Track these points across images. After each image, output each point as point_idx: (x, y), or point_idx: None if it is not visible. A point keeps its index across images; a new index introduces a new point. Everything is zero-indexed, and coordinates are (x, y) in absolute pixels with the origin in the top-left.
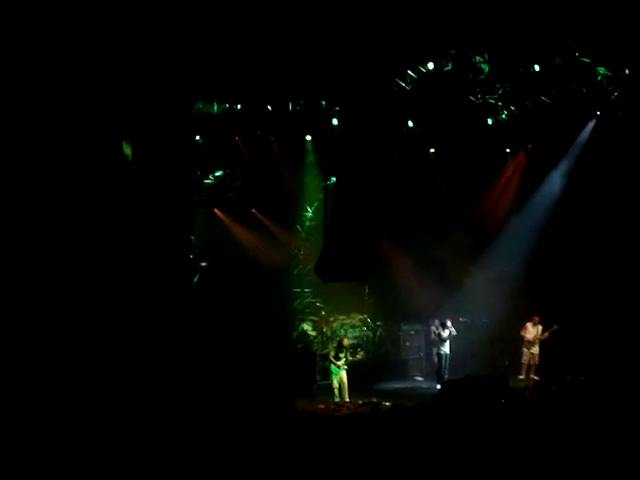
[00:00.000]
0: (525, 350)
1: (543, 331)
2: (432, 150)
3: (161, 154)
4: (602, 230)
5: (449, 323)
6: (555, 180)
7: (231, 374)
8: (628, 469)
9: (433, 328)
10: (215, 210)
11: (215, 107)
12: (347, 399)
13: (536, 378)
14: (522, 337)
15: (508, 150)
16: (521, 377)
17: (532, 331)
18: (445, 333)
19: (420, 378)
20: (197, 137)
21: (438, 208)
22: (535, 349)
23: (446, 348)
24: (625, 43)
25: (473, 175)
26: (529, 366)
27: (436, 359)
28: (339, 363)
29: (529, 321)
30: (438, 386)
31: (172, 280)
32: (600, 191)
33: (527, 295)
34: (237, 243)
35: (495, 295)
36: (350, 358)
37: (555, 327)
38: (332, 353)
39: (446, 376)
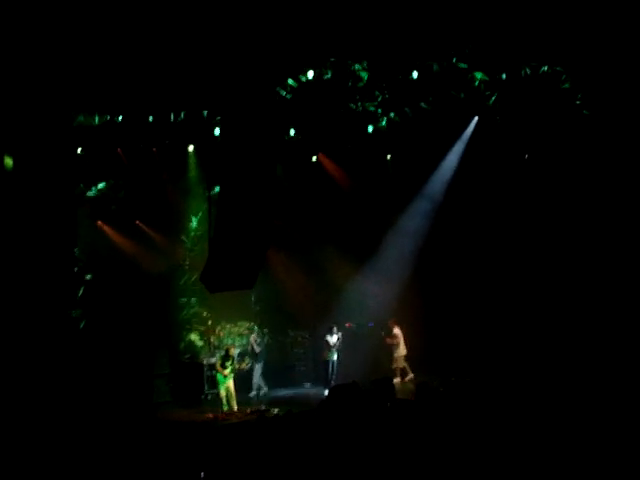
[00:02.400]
0: (397, 355)
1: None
2: (314, 158)
3: (42, 167)
4: (484, 232)
5: (336, 329)
6: (437, 182)
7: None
8: (515, 466)
9: (327, 336)
10: (98, 222)
11: (96, 119)
12: (235, 408)
13: (411, 377)
14: (393, 343)
15: (389, 157)
16: (396, 380)
17: (399, 335)
18: (333, 339)
19: (308, 384)
20: (79, 149)
21: (323, 214)
22: (403, 352)
23: (334, 354)
24: (501, 47)
25: (356, 181)
26: (406, 369)
27: (324, 365)
28: (225, 372)
29: (395, 326)
30: (326, 392)
31: (55, 294)
32: (482, 192)
33: (412, 298)
34: (122, 255)
35: (380, 299)
36: (237, 366)
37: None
38: (218, 362)
39: (333, 382)
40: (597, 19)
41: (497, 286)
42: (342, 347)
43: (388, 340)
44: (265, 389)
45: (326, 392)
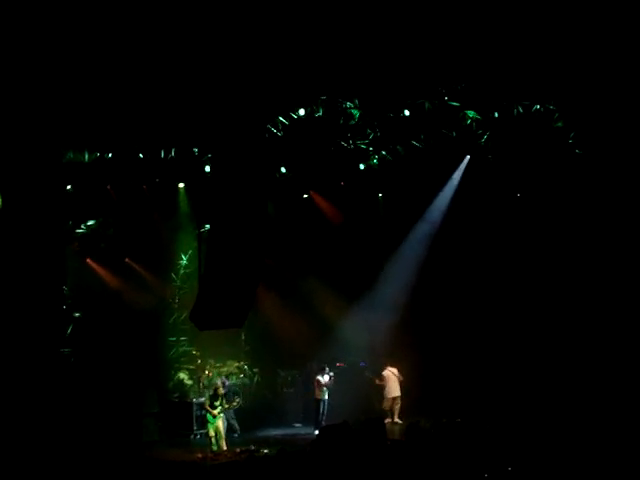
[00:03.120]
0: (389, 396)
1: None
2: (305, 195)
3: (31, 204)
4: (477, 271)
5: (328, 369)
6: (429, 220)
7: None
8: None
9: (319, 376)
10: (88, 260)
11: (86, 156)
12: (224, 447)
13: (399, 421)
14: (382, 384)
15: (380, 195)
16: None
17: (392, 376)
18: (325, 379)
19: (299, 424)
20: (68, 186)
21: (314, 252)
22: (396, 393)
23: (325, 394)
24: (493, 86)
25: (348, 219)
26: (393, 411)
27: (315, 405)
28: (215, 412)
29: (387, 367)
30: (316, 432)
31: (45, 331)
32: (474, 231)
33: (405, 336)
34: (111, 292)
35: (372, 337)
36: (226, 406)
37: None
38: (207, 402)
39: (324, 422)
40: (590, 59)
41: (491, 327)
42: (333, 387)
43: (377, 382)
44: (238, 432)
45: (316, 432)
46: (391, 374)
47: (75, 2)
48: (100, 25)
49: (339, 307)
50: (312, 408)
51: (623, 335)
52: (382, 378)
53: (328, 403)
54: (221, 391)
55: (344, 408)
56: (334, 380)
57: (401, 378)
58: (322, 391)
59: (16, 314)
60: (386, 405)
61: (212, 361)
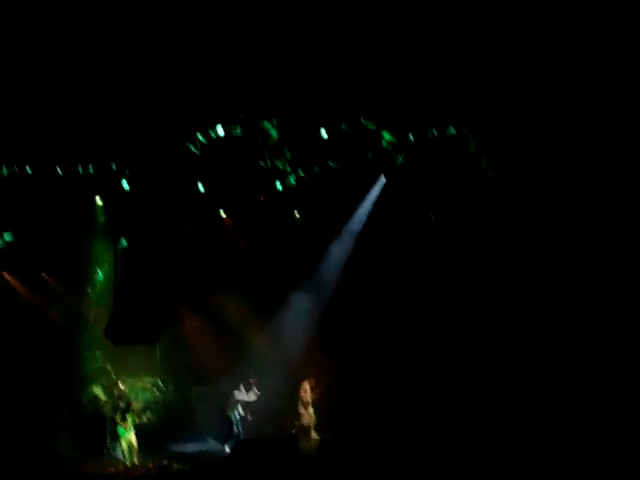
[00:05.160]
0: (304, 412)
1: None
2: (223, 214)
3: None
4: (390, 290)
5: (244, 386)
6: (345, 239)
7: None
8: None
9: (235, 392)
10: (3, 274)
11: (4, 170)
12: (136, 462)
13: (317, 437)
14: (302, 398)
15: (298, 216)
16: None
17: (309, 391)
18: (241, 396)
19: (212, 440)
20: None
21: (230, 269)
22: (311, 409)
23: (239, 410)
24: (409, 108)
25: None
26: (310, 426)
27: (227, 421)
28: (126, 425)
29: (306, 381)
30: (227, 448)
31: None
32: (388, 251)
33: (316, 354)
34: (25, 307)
35: (285, 354)
36: (137, 420)
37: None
38: (119, 415)
39: (240, 438)
40: (504, 81)
41: (403, 347)
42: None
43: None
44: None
45: (227, 449)
46: (307, 387)
47: None
48: (24, 34)
49: (254, 323)
50: (225, 424)
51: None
52: (303, 388)
53: (241, 420)
54: (135, 406)
55: (259, 424)
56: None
57: (313, 394)
58: (236, 407)
59: None
60: (300, 421)
61: (126, 376)
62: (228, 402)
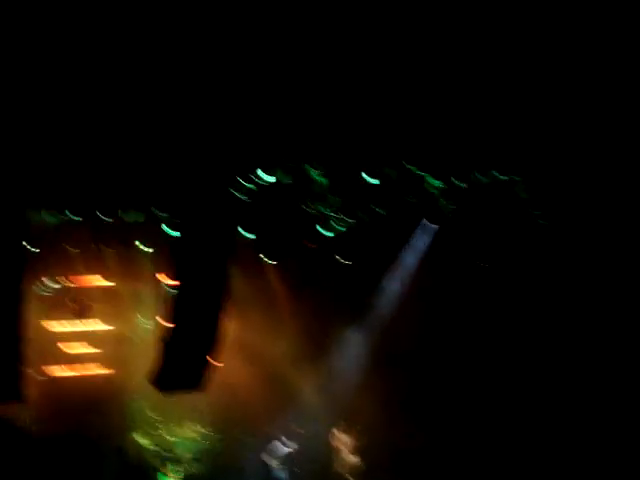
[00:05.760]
0: (343, 461)
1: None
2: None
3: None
4: (440, 339)
5: (280, 442)
6: (392, 287)
7: None
8: None
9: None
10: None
11: (50, 218)
12: None
13: None
14: (336, 448)
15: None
16: None
17: (344, 439)
18: (279, 449)
19: None
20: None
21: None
22: (349, 456)
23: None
24: (458, 155)
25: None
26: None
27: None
28: (171, 475)
29: (342, 431)
30: None
31: None
32: (437, 300)
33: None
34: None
35: (333, 399)
36: (182, 470)
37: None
38: (164, 465)
39: None
40: (553, 128)
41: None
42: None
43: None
44: None
45: None
46: (345, 438)
47: None
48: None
49: (301, 372)
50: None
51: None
52: (335, 437)
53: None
54: (182, 455)
55: (304, 474)
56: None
57: (355, 442)
58: (279, 459)
59: None
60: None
61: (173, 425)
62: (270, 453)
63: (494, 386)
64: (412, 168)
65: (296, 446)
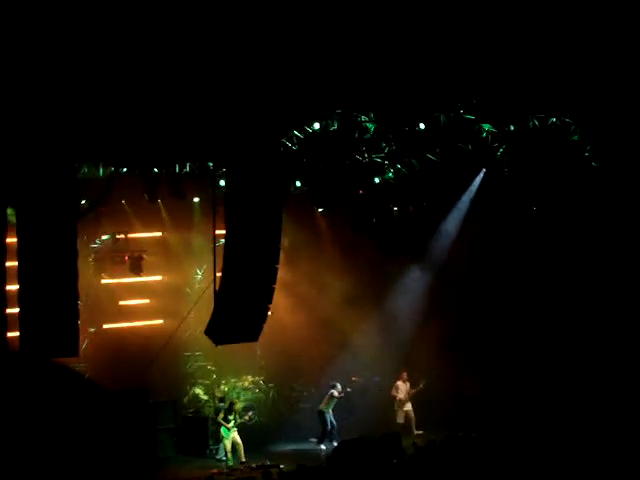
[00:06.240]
0: (399, 410)
1: (411, 387)
2: (320, 210)
3: (46, 219)
4: (492, 284)
5: (338, 385)
6: (444, 234)
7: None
8: None
9: (332, 390)
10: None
11: (101, 171)
12: (243, 459)
13: (419, 432)
14: (393, 397)
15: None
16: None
17: (403, 388)
18: (335, 393)
19: (314, 439)
20: (82, 202)
21: (328, 267)
22: (408, 406)
23: (331, 409)
24: (509, 99)
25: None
26: (409, 424)
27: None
28: (229, 425)
29: (398, 379)
30: (323, 447)
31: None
32: (489, 245)
33: (418, 351)
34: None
35: (386, 352)
36: (239, 420)
37: (422, 385)
38: (221, 415)
39: (334, 442)
40: (607, 70)
41: (507, 336)
42: (347, 401)
43: (393, 393)
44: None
45: (323, 447)
46: (401, 385)
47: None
48: (116, 40)
49: (355, 320)
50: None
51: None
52: (395, 387)
53: (341, 418)
54: (238, 406)
55: (360, 423)
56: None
57: (411, 390)
58: (329, 406)
59: None
60: (399, 420)
61: (227, 376)
62: (323, 400)
63: (546, 329)
64: (464, 113)
65: (351, 394)
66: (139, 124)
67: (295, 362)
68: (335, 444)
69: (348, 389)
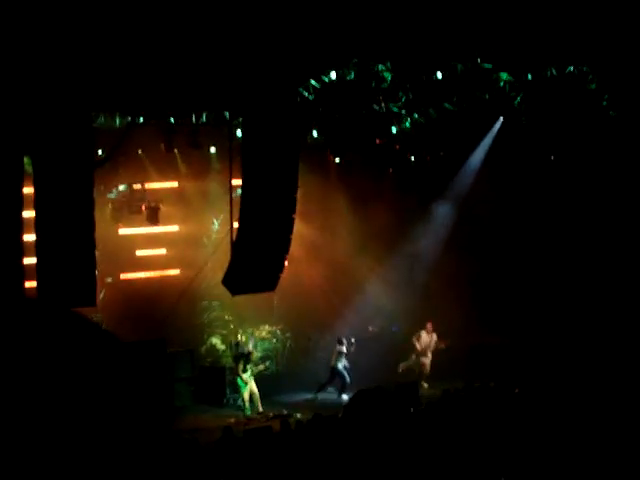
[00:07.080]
0: (414, 358)
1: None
2: (337, 160)
3: (62, 169)
4: (510, 235)
5: (344, 339)
6: (461, 183)
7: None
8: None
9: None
10: (119, 225)
11: (117, 120)
12: (260, 408)
13: (426, 386)
14: (412, 345)
15: (413, 158)
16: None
17: (426, 340)
18: (343, 348)
19: (331, 388)
20: (99, 151)
21: (343, 216)
22: (425, 358)
23: (339, 362)
24: (526, 48)
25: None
26: (420, 375)
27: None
28: (245, 375)
29: (423, 329)
30: (344, 397)
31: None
32: (506, 194)
33: (435, 301)
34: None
35: (404, 302)
36: (256, 370)
37: (444, 345)
38: (240, 366)
39: (345, 395)
40: (625, 19)
41: (524, 288)
42: (364, 351)
43: (413, 341)
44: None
45: (345, 397)
46: (424, 335)
47: None
48: None
49: (372, 270)
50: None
51: None
52: (418, 336)
53: (354, 369)
54: (254, 356)
55: (376, 373)
56: (354, 348)
57: (438, 342)
58: (340, 357)
59: None
60: (419, 368)
61: (244, 325)
62: (340, 350)
63: (567, 283)
64: (482, 62)
65: (367, 344)
66: (155, 74)
67: (312, 311)
68: (344, 396)
69: (352, 340)
